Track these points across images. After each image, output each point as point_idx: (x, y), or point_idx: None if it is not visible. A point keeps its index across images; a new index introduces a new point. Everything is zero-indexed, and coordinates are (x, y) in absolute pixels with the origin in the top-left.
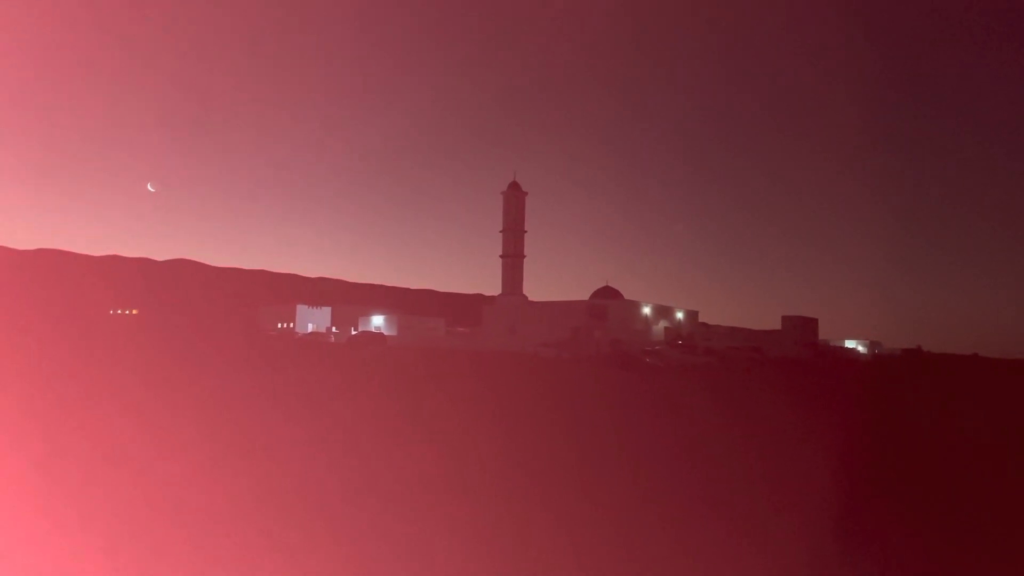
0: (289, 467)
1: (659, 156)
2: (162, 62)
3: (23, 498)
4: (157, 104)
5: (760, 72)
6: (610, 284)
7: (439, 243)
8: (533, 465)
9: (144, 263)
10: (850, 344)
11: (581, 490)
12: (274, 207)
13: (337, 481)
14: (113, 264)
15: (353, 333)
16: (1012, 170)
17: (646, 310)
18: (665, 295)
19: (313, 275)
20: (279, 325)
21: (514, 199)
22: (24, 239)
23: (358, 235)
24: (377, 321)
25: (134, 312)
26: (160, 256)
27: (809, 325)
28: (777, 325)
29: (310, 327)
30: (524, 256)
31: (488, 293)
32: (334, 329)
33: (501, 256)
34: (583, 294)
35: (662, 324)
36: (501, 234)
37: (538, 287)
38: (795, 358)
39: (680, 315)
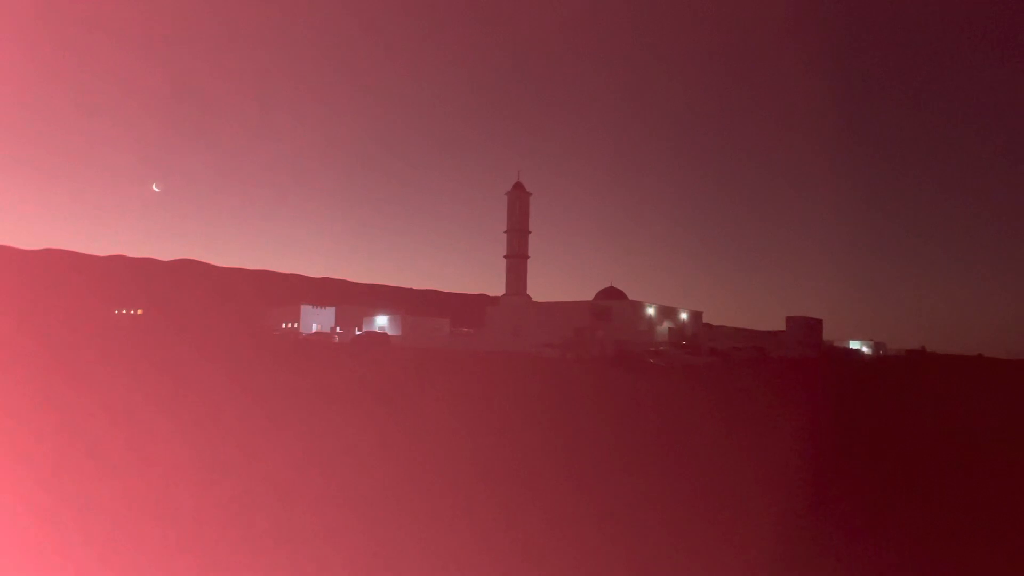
0: (288, 467)
1: (664, 157)
2: (168, 64)
3: (23, 498)
4: (163, 105)
5: (764, 73)
6: (614, 285)
7: (443, 244)
8: (527, 466)
9: (149, 263)
10: (854, 345)
11: (573, 492)
12: (278, 208)
13: (332, 482)
14: (118, 264)
15: (357, 333)
16: (1016, 171)
17: (650, 311)
18: (669, 296)
19: (317, 275)
20: (284, 325)
21: (518, 200)
22: (30, 239)
23: (362, 235)
24: (381, 321)
25: (139, 312)
26: (165, 256)
27: (813, 326)
28: (781, 326)
29: (314, 327)
30: (528, 257)
31: (492, 294)
32: (338, 329)
33: (505, 257)
34: (587, 295)
35: (666, 325)
36: (505, 235)
37: (542, 288)
38: (799, 359)
39: (684, 316)
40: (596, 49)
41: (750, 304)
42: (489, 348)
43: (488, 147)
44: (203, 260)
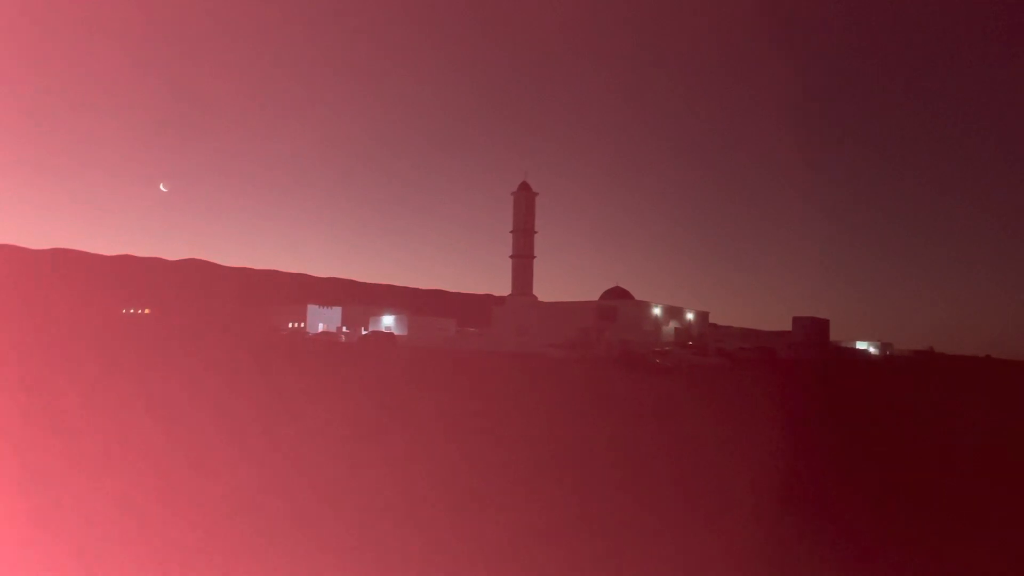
0: (289, 468)
1: (670, 157)
2: (175, 63)
3: (23, 498)
4: (170, 105)
5: (771, 74)
6: (620, 285)
7: (449, 243)
8: (527, 466)
9: (156, 263)
10: (861, 345)
11: (574, 492)
12: (285, 207)
13: (333, 482)
14: (126, 264)
15: (364, 333)
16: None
17: (656, 311)
18: (675, 296)
19: (324, 275)
20: (290, 324)
21: (524, 199)
22: (38, 239)
23: (368, 235)
24: (387, 321)
25: (146, 311)
26: (172, 256)
27: (820, 326)
28: (788, 326)
29: (321, 327)
30: (534, 256)
31: (498, 293)
32: (345, 329)
33: (511, 256)
34: (593, 295)
35: (672, 325)
36: (511, 234)
37: (548, 288)
38: (806, 359)
39: (690, 316)
40: (602, 49)
41: (756, 304)
42: (495, 348)
43: (494, 147)
44: (210, 260)
